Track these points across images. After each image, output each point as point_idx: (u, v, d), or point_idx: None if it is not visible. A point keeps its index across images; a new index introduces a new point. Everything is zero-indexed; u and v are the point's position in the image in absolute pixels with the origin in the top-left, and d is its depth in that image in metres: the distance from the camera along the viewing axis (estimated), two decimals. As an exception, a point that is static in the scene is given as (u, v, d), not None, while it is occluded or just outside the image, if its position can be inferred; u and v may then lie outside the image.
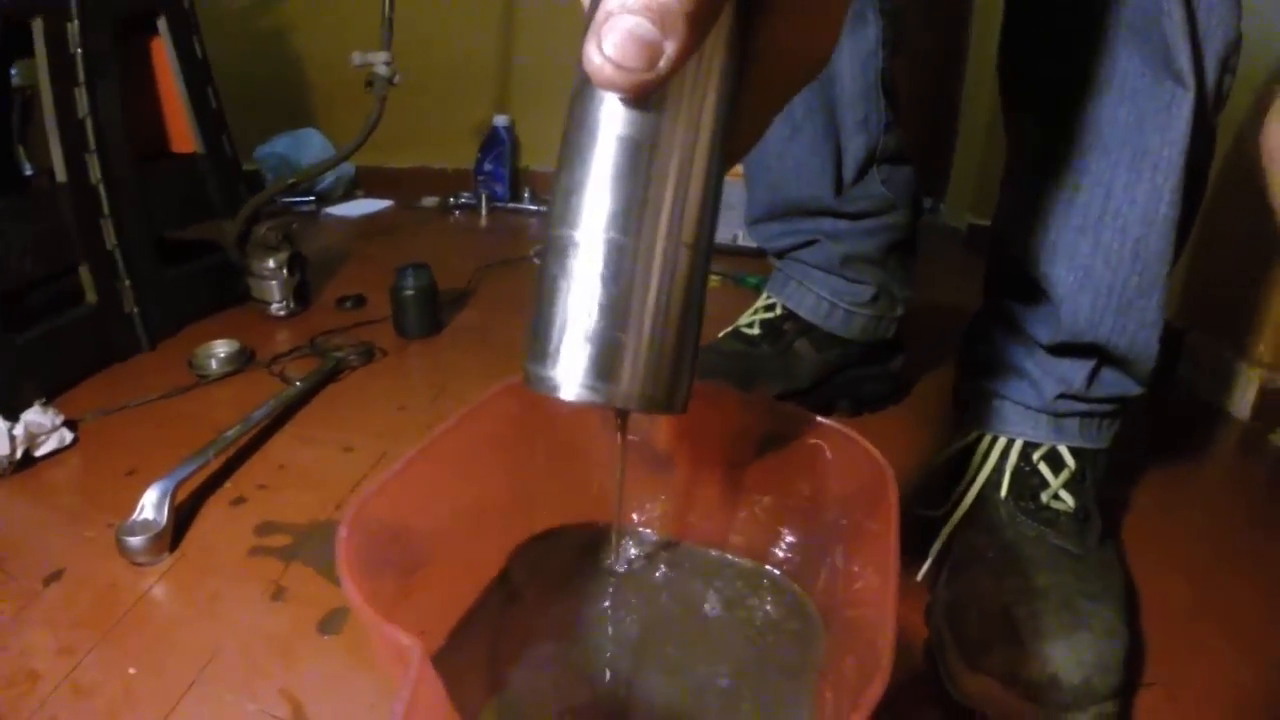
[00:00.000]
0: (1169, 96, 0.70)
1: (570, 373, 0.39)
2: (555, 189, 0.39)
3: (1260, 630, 0.80)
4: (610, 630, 0.62)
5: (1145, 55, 0.69)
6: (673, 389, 0.41)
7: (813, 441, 0.62)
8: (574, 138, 0.38)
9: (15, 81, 1.52)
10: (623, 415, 0.55)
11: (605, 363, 0.39)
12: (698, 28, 0.33)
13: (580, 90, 0.38)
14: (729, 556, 0.69)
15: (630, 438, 0.58)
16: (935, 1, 2.21)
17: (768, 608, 0.64)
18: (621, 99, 0.36)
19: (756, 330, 1.14)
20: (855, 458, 0.58)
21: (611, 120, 0.37)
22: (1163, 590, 0.83)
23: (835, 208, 1.07)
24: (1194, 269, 1.35)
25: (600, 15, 0.33)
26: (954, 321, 1.06)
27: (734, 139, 0.41)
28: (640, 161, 0.37)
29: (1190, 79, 0.68)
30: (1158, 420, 1.20)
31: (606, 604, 0.64)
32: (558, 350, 0.39)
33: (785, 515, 0.67)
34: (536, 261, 1.92)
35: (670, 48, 0.33)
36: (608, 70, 0.33)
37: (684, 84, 0.37)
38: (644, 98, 0.36)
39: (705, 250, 0.41)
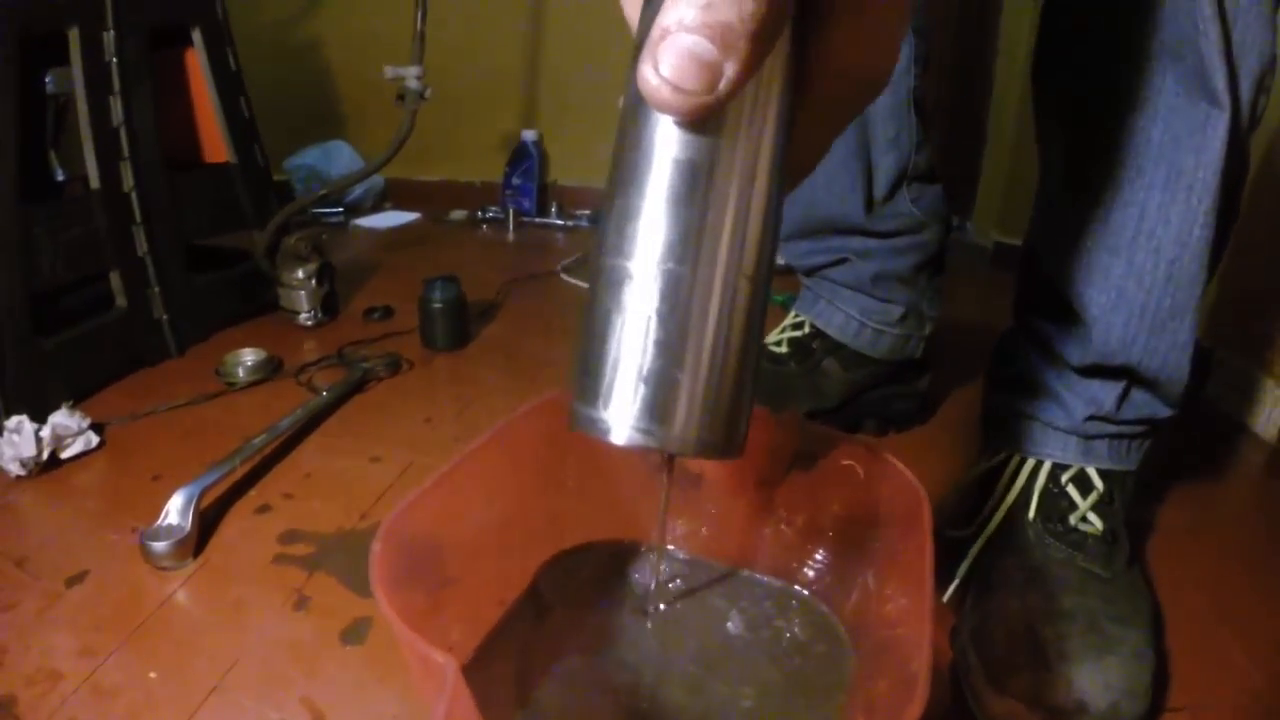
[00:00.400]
0: (1204, 117, 0.69)
1: (622, 415, 0.36)
2: (606, 214, 0.36)
3: (1289, 655, 0.79)
4: (637, 648, 0.61)
5: (1180, 75, 0.69)
6: (730, 432, 0.38)
7: (845, 462, 0.62)
8: (627, 160, 0.35)
9: (50, 89, 1.53)
10: (671, 457, 0.52)
11: (660, 404, 0.36)
12: (760, 47, 0.31)
13: (633, 110, 0.35)
14: (758, 576, 0.69)
15: (659, 455, 0.56)
16: (963, 18, 2.20)
17: (796, 629, 0.63)
18: (677, 121, 0.34)
19: (784, 348, 1.14)
20: (889, 479, 0.58)
21: (667, 142, 0.34)
22: (1188, 613, 0.82)
23: (865, 226, 1.06)
24: (1223, 288, 1.34)
25: (656, 33, 0.30)
26: (980, 340, 1.05)
27: (792, 163, 0.39)
28: (698, 186, 0.34)
29: (1225, 99, 0.68)
30: (1185, 440, 1.19)
31: (634, 621, 0.64)
32: (610, 390, 0.36)
33: (816, 535, 0.67)
34: (564, 277, 1.93)
35: (730, 69, 0.30)
36: (664, 92, 0.30)
37: (744, 104, 0.34)
38: (702, 120, 0.33)
39: (765, 283, 0.38)
